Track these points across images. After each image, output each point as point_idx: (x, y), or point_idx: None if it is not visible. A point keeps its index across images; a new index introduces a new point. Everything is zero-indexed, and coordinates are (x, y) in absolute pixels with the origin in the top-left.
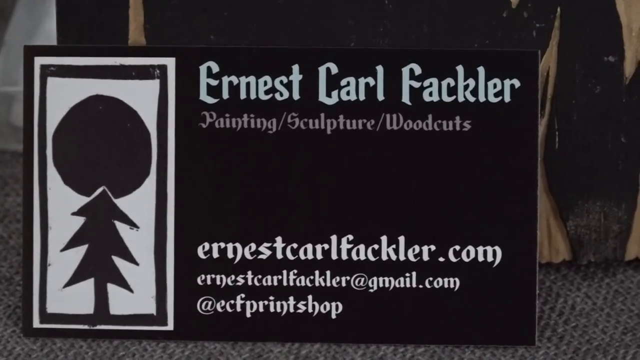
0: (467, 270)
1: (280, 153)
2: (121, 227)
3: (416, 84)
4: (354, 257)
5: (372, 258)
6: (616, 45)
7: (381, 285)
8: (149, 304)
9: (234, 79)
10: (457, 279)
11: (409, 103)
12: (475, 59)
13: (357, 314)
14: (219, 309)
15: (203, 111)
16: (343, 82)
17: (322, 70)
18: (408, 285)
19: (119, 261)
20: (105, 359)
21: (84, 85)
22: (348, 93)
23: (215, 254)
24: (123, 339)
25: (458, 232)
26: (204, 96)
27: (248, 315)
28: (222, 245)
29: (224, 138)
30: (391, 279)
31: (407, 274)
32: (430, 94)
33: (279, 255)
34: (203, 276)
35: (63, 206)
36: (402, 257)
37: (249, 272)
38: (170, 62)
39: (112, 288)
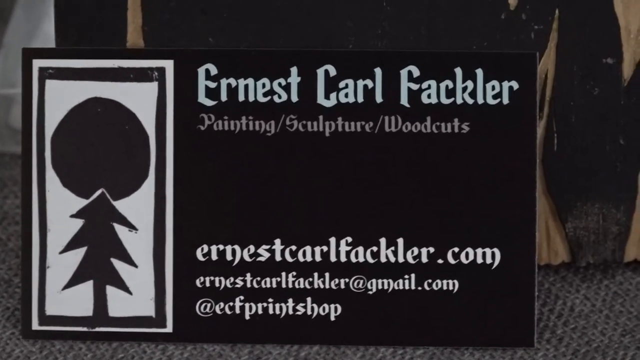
0: (466, 272)
1: (279, 155)
2: (120, 230)
3: (414, 86)
4: (353, 259)
5: (370, 260)
6: (614, 47)
7: (380, 287)
8: (148, 306)
9: (232, 81)
10: (456, 281)
11: (408, 105)
12: (474, 61)
13: (356, 316)
14: (218, 311)
15: (201, 113)
16: (341, 84)
17: (320, 72)
18: (407, 287)
19: (117, 263)
20: None
21: (82, 88)
22: (346, 95)
23: (214, 256)
24: (122, 341)
25: (457, 234)
26: (202, 98)
27: (247, 317)
28: (221, 247)
29: (222, 140)
30: (390, 281)
31: (406, 276)
32: (429, 96)
33: (278, 258)
34: (202, 278)
35: (62, 208)
36: (400, 259)
37: (248, 274)
38: (168, 65)
39: (111, 290)
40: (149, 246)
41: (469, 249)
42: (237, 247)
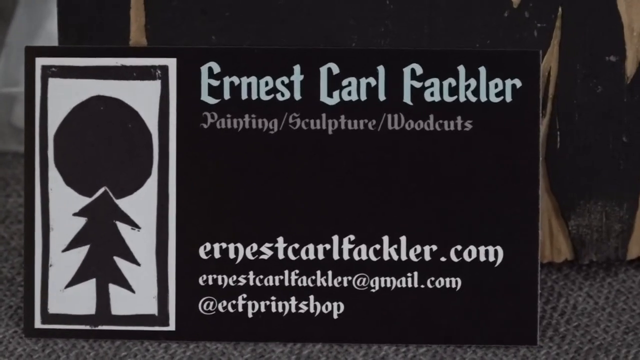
0: (468, 270)
1: (282, 153)
2: (123, 228)
3: (417, 84)
4: (356, 257)
5: (373, 258)
6: (617, 45)
7: (383, 285)
8: (151, 304)
9: (235, 79)
10: (458, 279)
11: (410, 103)
12: (477, 58)
13: (358, 314)
14: (221, 309)
15: (204, 112)
16: (344, 82)
17: (323, 70)
18: (410, 285)
19: (120, 262)
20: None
21: (85, 86)
22: (349, 93)
23: (217, 254)
24: (125, 340)
25: (460, 232)
26: (205, 97)
27: (250, 315)
28: (224, 245)
29: (225, 138)
30: (393, 279)
31: (409, 274)
32: (432, 94)
33: (281, 256)
34: (205, 276)
35: (64, 207)
36: (403, 257)
37: (251, 273)
38: (171, 63)
39: (113, 288)
40: (151, 244)
41: (472, 247)
42: (239, 245)
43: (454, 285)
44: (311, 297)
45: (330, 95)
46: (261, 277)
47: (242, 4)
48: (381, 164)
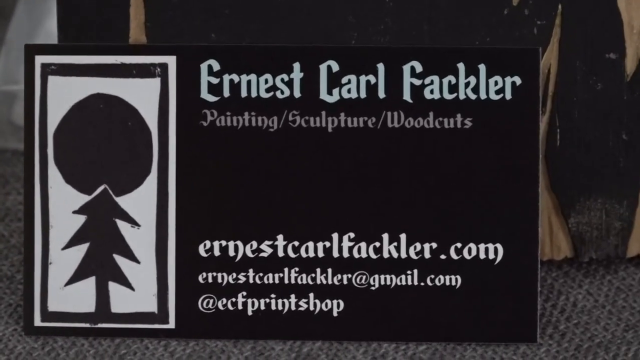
0: (468, 267)
1: (281, 151)
2: (122, 226)
3: (417, 82)
4: (356, 255)
5: (373, 256)
6: (617, 42)
7: (383, 283)
8: (151, 302)
9: (234, 77)
10: (458, 277)
11: (410, 101)
12: (476, 56)
13: (358, 312)
14: (221, 307)
15: (204, 109)
16: (344, 80)
17: (323, 68)
18: (409, 282)
19: (120, 259)
20: (107, 357)
21: (84, 84)
22: (349, 91)
23: (217, 252)
24: (124, 337)
25: (459, 230)
26: (205, 94)
27: (249, 313)
28: (224, 243)
29: (225, 136)
30: (393, 276)
31: (409, 272)
32: (432, 91)
33: (280, 253)
34: (204, 274)
35: (64, 205)
36: (403, 255)
37: (251, 270)
38: (171, 61)
39: (113, 286)
40: (151, 242)
41: (472, 245)
42: (239, 243)
43: (453, 283)
44: (311, 295)
45: (330, 92)
46: (261, 274)
47: (241, 2)
48: (381, 161)
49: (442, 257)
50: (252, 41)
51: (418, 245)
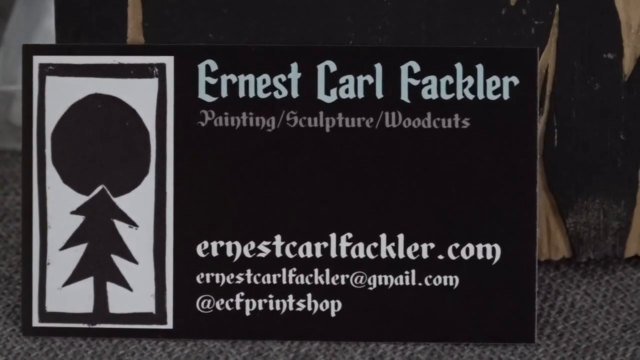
0: (466, 268)
1: (279, 151)
2: (120, 226)
3: (415, 82)
4: (353, 255)
5: (371, 256)
6: (615, 42)
7: (380, 283)
8: (149, 302)
9: (232, 77)
10: (456, 277)
11: (408, 101)
12: (474, 56)
13: (356, 312)
14: (219, 308)
15: (202, 109)
16: (342, 80)
17: (320, 68)
18: (407, 283)
19: (118, 260)
20: (105, 358)
21: (82, 84)
22: (347, 91)
23: (215, 253)
24: (122, 338)
25: (457, 230)
26: (202, 94)
27: (247, 313)
28: (221, 243)
29: (222, 136)
30: (390, 277)
31: (407, 272)
32: (429, 91)
33: (278, 254)
34: (202, 275)
35: (62, 205)
36: (401, 255)
37: (248, 271)
38: (168, 61)
39: (111, 287)
40: (149, 242)
41: (470, 245)
42: (237, 244)
43: (451, 283)
44: (309, 295)
45: (327, 93)
46: (259, 275)
47: (239, 2)
48: (379, 161)
49: (440, 257)
50: (249, 41)
51: (416, 246)
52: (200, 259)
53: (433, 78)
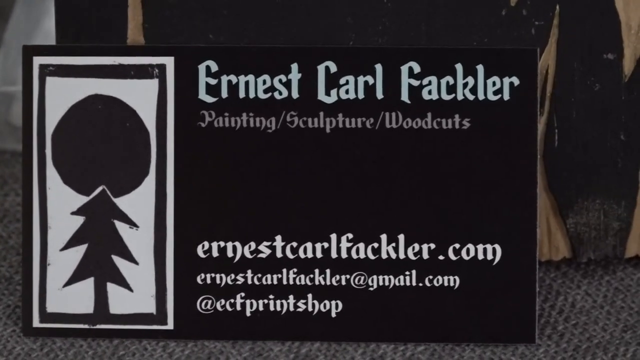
0: (467, 268)
1: (280, 152)
2: (121, 227)
3: (415, 82)
4: (354, 256)
5: (371, 256)
6: (615, 42)
7: (381, 283)
8: (149, 303)
9: (232, 78)
10: (457, 277)
11: (408, 101)
12: (475, 57)
13: (357, 313)
14: (219, 308)
15: (202, 110)
16: (342, 81)
17: (321, 68)
18: (408, 283)
19: (118, 260)
20: (105, 359)
21: (83, 85)
22: (347, 91)
23: (215, 253)
24: (123, 338)
25: (458, 230)
26: (202, 95)
27: (248, 314)
28: (222, 244)
29: (223, 137)
30: (391, 277)
31: (407, 273)
32: (430, 92)
33: (279, 254)
34: (203, 275)
35: (62, 206)
36: (402, 256)
37: (249, 271)
38: (169, 62)
39: (111, 287)
40: (149, 243)
41: (470, 245)
42: (237, 244)
43: (452, 284)
44: (309, 296)
45: (328, 93)
46: (259, 275)
47: (239, 3)
48: (379, 162)
49: (441, 257)
50: (250, 42)
51: (416, 246)
52: (200, 260)
53: (433, 79)
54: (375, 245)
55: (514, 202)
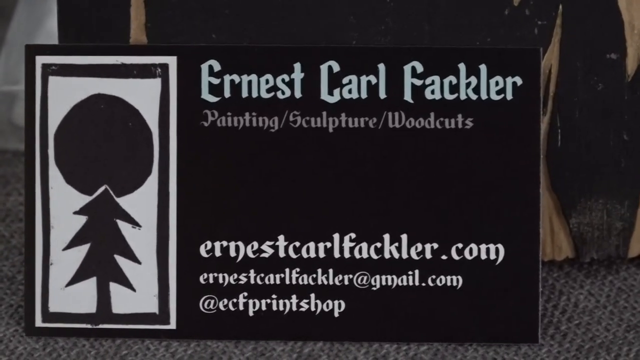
0: (469, 268)
1: (282, 151)
2: (123, 226)
3: (418, 82)
4: (357, 256)
5: (374, 256)
6: (618, 42)
7: (384, 283)
8: (152, 302)
9: (235, 77)
10: (459, 277)
11: (411, 101)
12: (477, 56)
13: (359, 312)
14: (222, 308)
15: (205, 110)
16: (345, 80)
17: (323, 68)
18: (411, 283)
19: (121, 260)
20: (108, 358)
21: (85, 84)
22: (350, 91)
23: (218, 253)
24: (125, 338)
25: (461, 230)
26: (205, 95)
27: (251, 313)
28: (225, 243)
29: (225, 137)
30: (394, 277)
31: (410, 272)
32: (432, 91)
33: (282, 254)
34: (205, 275)
35: (65, 205)
36: (404, 255)
37: (252, 271)
38: (171, 61)
39: (114, 287)
40: (152, 243)
41: (473, 245)
42: (240, 244)
43: (455, 284)
44: (312, 296)
45: (330, 93)
46: (262, 275)
47: (242, 2)
48: (382, 162)
49: (444, 257)
50: (252, 41)
51: (419, 246)
52: (203, 259)
53: (436, 78)
54: (378, 245)
55: (517, 202)
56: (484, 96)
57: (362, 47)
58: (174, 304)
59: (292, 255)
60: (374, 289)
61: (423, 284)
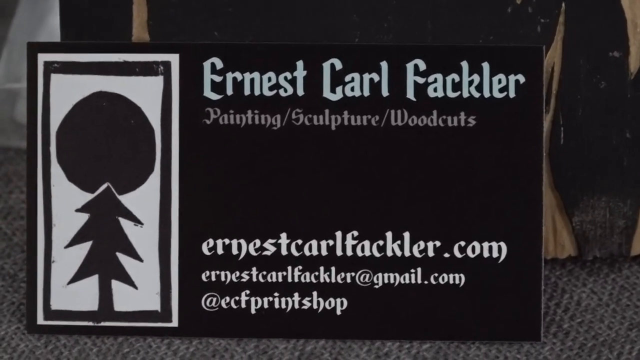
0: (472, 266)
1: (285, 149)
2: (125, 224)
3: (421, 80)
4: (359, 253)
5: (377, 254)
6: (621, 40)
7: (386, 281)
8: (154, 300)
9: (238, 75)
10: (462, 275)
11: (414, 99)
12: (480, 54)
13: (362, 310)
14: (224, 305)
15: (207, 107)
16: (347, 78)
17: (326, 66)
18: (413, 281)
19: (123, 258)
20: (110, 356)
21: (87, 82)
22: (352, 89)
23: (220, 250)
24: (127, 336)
25: (463, 228)
26: (208, 92)
27: (253, 311)
28: (227, 241)
29: (228, 134)
30: (396, 274)
31: (412, 270)
32: (435, 89)
33: (284, 252)
34: (207, 272)
35: (67, 203)
36: (407, 253)
37: (254, 269)
38: (174, 59)
39: (116, 285)
40: (154, 240)
41: (475, 243)
42: (242, 241)
43: (457, 282)
44: (314, 293)
45: (333, 91)
46: (264, 273)
47: (244, 0)
48: (384, 159)
49: (446, 255)
50: (255, 39)
51: (422, 244)
52: (205, 257)
53: (439, 76)
54: (381, 242)
55: (520, 200)
56: (486, 94)
57: (365, 45)
58: (176, 301)
59: (295, 253)
60: (376, 287)
61: (425, 282)
